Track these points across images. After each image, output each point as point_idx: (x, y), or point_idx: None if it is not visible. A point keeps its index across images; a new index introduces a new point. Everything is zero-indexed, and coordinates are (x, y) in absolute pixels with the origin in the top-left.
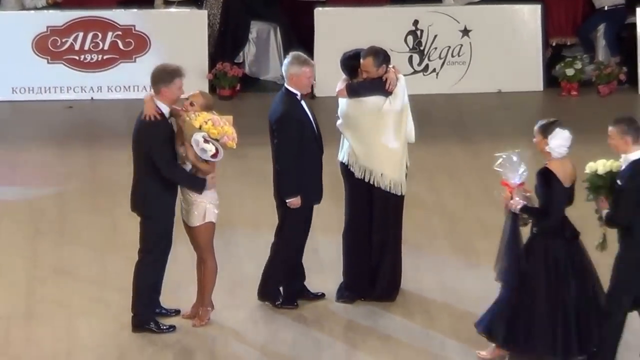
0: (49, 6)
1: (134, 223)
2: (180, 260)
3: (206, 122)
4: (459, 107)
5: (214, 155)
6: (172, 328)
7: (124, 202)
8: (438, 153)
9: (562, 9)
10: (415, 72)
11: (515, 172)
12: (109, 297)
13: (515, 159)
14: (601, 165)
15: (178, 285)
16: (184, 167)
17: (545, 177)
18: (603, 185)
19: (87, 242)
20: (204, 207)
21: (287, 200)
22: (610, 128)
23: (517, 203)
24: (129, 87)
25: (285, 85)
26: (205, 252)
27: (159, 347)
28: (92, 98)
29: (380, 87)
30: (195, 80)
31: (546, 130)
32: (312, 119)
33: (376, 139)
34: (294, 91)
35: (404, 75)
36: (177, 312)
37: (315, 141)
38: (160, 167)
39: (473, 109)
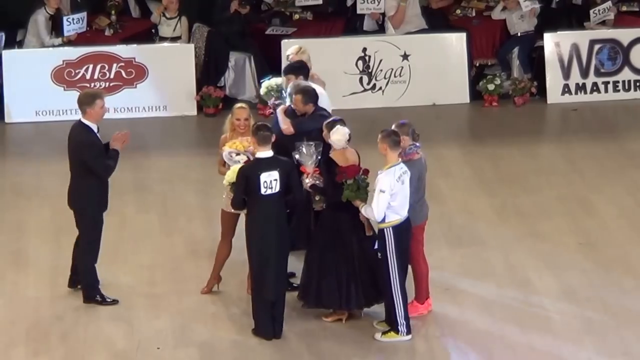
0: (64, 44)
1: (139, 219)
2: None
3: (234, 143)
4: (401, 118)
5: (247, 162)
6: (115, 301)
7: (129, 203)
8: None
9: (483, 35)
10: (365, 90)
11: (310, 159)
12: (119, 280)
13: (311, 149)
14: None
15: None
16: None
17: (328, 164)
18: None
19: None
20: None
21: None
22: None
23: (309, 183)
24: (131, 108)
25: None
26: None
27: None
28: None
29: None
30: (185, 102)
31: (330, 127)
32: None
33: None
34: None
35: (356, 93)
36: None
37: None
38: (98, 174)
39: (412, 119)
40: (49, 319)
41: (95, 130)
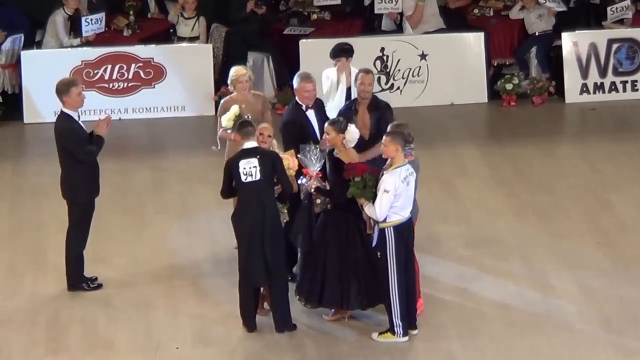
0: (82, 44)
1: (157, 220)
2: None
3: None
4: (420, 117)
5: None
6: (100, 285)
7: (148, 203)
8: None
9: (501, 35)
10: (382, 89)
11: (314, 163)
12: (138, 280)
13: (317, 154)
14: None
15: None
16: None
17: (336, 163)
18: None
19: (119, 236)
20: None
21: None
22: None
23: (314, 186)
24: (150, 108)
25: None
26: None
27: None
28: (120, 118)
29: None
30: (204, 102)
31: (343, 128)
32: (315, 126)
33: None
34: (300, 102)
35: (374, 93)
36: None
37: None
38: (80, 159)
39: (431, 119)
40: (68, 319)
41: (76, 118)
